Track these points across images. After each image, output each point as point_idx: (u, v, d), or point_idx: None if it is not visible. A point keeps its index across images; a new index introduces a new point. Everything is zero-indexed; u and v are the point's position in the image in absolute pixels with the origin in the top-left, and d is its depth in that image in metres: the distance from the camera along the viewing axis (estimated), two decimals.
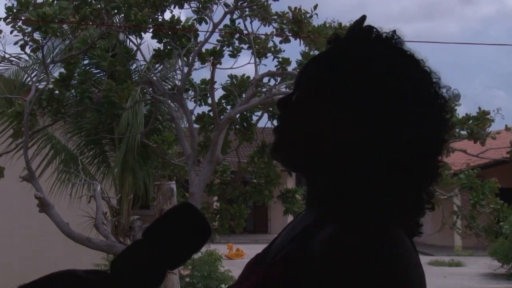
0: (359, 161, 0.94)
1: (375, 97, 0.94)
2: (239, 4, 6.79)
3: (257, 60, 6.89)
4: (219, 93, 7.26)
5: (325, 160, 0.97)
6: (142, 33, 6.70)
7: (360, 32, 1.03)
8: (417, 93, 0.95)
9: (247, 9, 6.90)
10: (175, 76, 8.03)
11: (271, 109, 7.04)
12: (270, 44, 7.07)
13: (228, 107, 7.21)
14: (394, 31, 1.02)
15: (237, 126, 7.33)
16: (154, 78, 7.05)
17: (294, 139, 0.99)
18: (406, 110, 0.93)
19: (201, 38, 7.05)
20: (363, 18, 1.05)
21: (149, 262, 0.91)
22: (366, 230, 0.85)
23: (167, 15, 6.87)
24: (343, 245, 0.83)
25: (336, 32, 1.10)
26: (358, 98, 0.95)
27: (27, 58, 8.00)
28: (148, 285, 0.91)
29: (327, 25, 6.60)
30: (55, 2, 6.23)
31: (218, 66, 6.89)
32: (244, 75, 7.22)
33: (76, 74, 6.58)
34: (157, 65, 7.68)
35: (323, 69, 1.00)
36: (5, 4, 6.02)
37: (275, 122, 6.92)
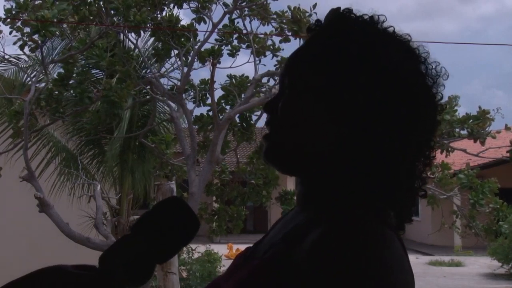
0: (350, 159, 0.94)
1: (365, 89, 0.93)
2: (238, 3, 6.78)
3: (256, 59, 6.88)
4: (218, 93, 7.26)
5: (318, 162, 0.97)
6: (142, 32, 6.70)
7: (340, 19, 1.01)
8: (405, 79, 0.94)
9: (246, 9, 6.90)
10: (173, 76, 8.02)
11: None
12: (269, 42, 7.06)
13: (228, 107, 7.20)
14: (372, 16, 1.01)
15: (235, 128, 7.31)
16: (153, 77, 7.04)
17: (287, 144, 0.98)
18: (397, 99, 0.93)
19: (200, 38, 7.06)
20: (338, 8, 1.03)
21: (137, 256, 0.90)
22: (357, 232, 0.85)
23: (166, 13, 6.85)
24: (331, 248, 0.83)
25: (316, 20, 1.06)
26: (350, 92, 0.93)
27: (26, 58, 8.00)
28: (137, 279, 0.91)
29: None
30: (55, 3, 6.23)
31: (217, 65, 6.89)
32: (243, 75, 7.22)
33: (75, 74, 6.58)
34: (155, 64, 7.68)
35: (308, 70, 0.98)
36: (4, 5, 6.03)
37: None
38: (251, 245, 1.10)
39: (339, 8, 1.03)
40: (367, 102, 0.92)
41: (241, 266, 1.01)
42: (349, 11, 1.01)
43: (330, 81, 0.95)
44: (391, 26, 1.00)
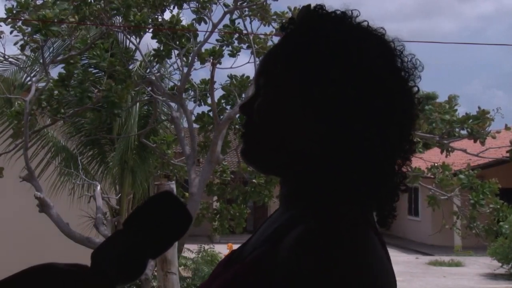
0: (331, 156, 0.93)
1: (337, 84, 0.92)
2: (238, 4, 6.79)
3: (257, 59, 6.89)
4: (218, 93, 7.26)
5: (298, 159, 0.97)
6: (142, 33, 6.70)
7: (313, 16, 1.00)
8: (379, 73, 0.93)
9: (246, 9, 6.90)
10: (174, 76, 8.03)
11: None
12: (270, 43, 7.07)
13: (228, 107, 7.20)
14: (344, 12, 1.00)
15: (236, 126, 7.32)
16: (153, 78, 7.05)
17: (266, 143, 0.98)
18: (371, 93, 0.92)
19: (200, 38, 7.06)
20: (308, 6, 1.03)
21: (129, 252, 0.90)
22: (339, 229, 0.85)
23: (167, 15, 6.87)
24: (314, 243, 0.82)
25: (289, 18, 1.06)
26: (322, 88, 0.92)
27: (26, 58, 8.00)
28: (130, 275, 0.90)
29: None
30: (57, 2, 6.23)
31: (217, 66, 6.89)
32: (243, 75, 7.23)
33: (75, 74, 6.58)
34: (156, 65, 7.68)
35: (282, 67, 0.98)
36: (5, 5, 6.03)
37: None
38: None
39: (309, 5, 1.02)
40: (340, 97, 0.91)
41: (224, 271, 1.00)
42: (321, 7, 1.00)
43: (303, 78, 0.95)
44: (365, 21, 0.99)
